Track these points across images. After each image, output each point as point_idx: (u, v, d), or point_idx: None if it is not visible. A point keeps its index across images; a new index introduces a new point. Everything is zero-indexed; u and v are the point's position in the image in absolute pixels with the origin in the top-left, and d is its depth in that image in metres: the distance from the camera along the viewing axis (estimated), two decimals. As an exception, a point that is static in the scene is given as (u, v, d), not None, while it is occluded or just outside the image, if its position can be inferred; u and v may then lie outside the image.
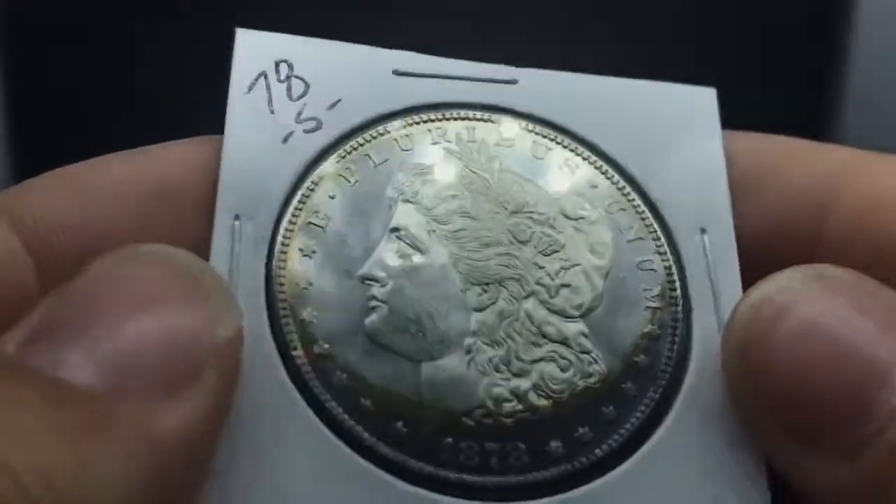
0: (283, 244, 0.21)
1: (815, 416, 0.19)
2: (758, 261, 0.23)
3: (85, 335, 0.18)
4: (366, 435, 0.20)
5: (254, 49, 0.23)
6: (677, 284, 0.23)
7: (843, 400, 0.19)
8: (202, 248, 0.21)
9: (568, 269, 0.22)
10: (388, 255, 0.22)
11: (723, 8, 0.42)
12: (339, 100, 0.23)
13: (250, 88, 0.23)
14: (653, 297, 0.22)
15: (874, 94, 0.41)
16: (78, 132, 0.39)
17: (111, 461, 0.17)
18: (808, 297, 0.20)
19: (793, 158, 0.25)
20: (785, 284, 0.20)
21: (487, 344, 0.21)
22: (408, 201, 0.22)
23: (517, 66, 0.25)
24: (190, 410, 0.18)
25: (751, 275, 0.23)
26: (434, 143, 0.23)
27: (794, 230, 0.24)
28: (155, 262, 0.19)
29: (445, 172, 0.23)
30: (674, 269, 0.23)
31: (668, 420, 0.21)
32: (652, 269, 0.23)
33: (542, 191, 0.23)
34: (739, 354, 0.21)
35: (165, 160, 0.22)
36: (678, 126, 0.25)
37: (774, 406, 0.20)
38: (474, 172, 0.23)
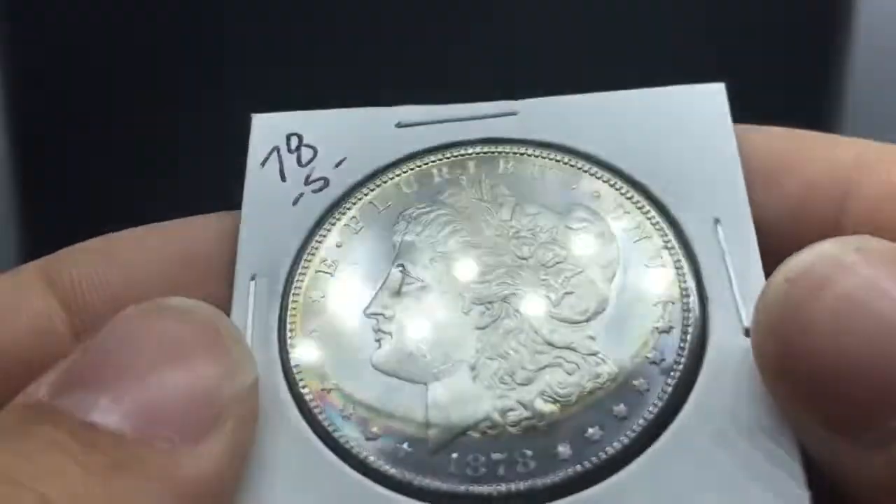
0: (294, 294, 0.23)
1: (853, 400, 0.18)
2: (775, 252, 0.22)
3: (113, 383, 0.19)
4: (372, 458, 0.20)
5: (267, 128, 0.25)
6: (688, 277, 0.22)
7: (885, 384, 0.18)
8: (223, 308, 0.22)
9: (571, 277, 0.22)
10: (393, 289, 0.22)
11: (722, 10, 0.41)
12: (345, 158, 0.25)
13: (264, 163, 0.25)
14: (663, 292, 0.22)
15: (874, 94, 0.39)
16: (79, 133, 0.41)
17: (139, 499, 0.18)
18: (848, 269, 0.19)
19: (810, 150, 0.24)
20: (823, 255, 0.19)
21: (492, 359, 0.21)
22: (411, 239, 0.23)
23: (516, 98, 0.25)
24: (211, 456, 0.19)
25: (768, 267, 0.22)
26: (436, 182, 0.24)
27: (813, 221, 0.23)
28: (178, 314, 0.20)
29: (447, 206, 0.24)
30: (684, 263, 0.22)
31: (683, 414, 0.20)
32: (661, 266, 0.22)
33: (543, 209, 0.23)
34: (773, 334, 0.19)
35: (191, 231, 0.24)
36: (687, 127, 0.24)
37: (810, 389, 0.19)
38: (476, 201, 0.24)
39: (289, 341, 0.22)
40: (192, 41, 0.41)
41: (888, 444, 0.18)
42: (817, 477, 0.19)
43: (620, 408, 0.20)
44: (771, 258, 0.22)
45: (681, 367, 0.21)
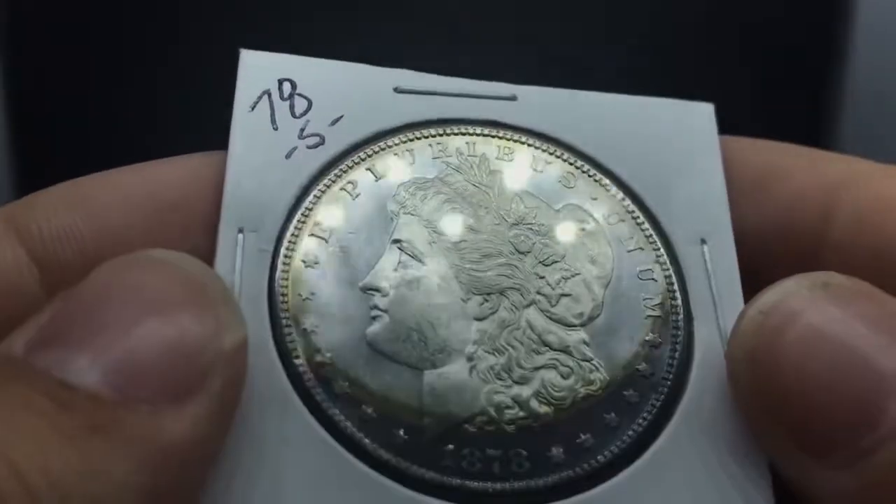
0: (285, 256, 0.22)
1: (820, 423, 0.19)
2: (760, 264, 0.23)
3: (92, 340, 0.18)
4: (367, 441, 0.20)
5: (258, 68, 0.24)
6: (678, 294, 0.23)
7: (849, 408, 0.19)
8: (206, 261, 0.21)
9: (568, 278, 0.22)
10: (390, 266, 0.22)
11: (722, 11, 0.43)
12: (342, 116, 0.24)
13: (254, 106, 0.23)
14: (653, 305, 0.23)
15: (874, 95, 0.41)
16: (79, 136, 0.39)
17: (117, 464, 0.17)
18: (815, 304, 0.20)
19: (797, 164, 0.25)
20: (792, 291, 0.20)
21: (489, 352, 0.21)
22: (409, 214, 0.23)
23: (517, 83, 0.25)
24: (194, 417, 0.18)
25: (753, 278, 0.23)
26: (435, 158, 0.23)
27: (797, 234, 0.24)
28: (162, 268, 0.19)
29: (446, 186, 0.23)
30: (674, 279, 0.23)
31: (670, 427, 0.21)
32: (652, 279, 0.23)
33: (542, 203, 0.23)
34: (746, 362, 0.21)
35: (171, 174, 0.22)
36: (677, 141, 0.25)
37: (780, 413, 0.20)
38: (475, 185, 0.23)
39: (280, 305, 0.21)
40: (198, 59, 0.37)
41: (854, 464, 0.19)
42: (786, 496, 0.21)
43: (612, 417, 0.21)
44: (756, 271, 0.23)
45: (669, 382, 0.22)
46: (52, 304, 0.19)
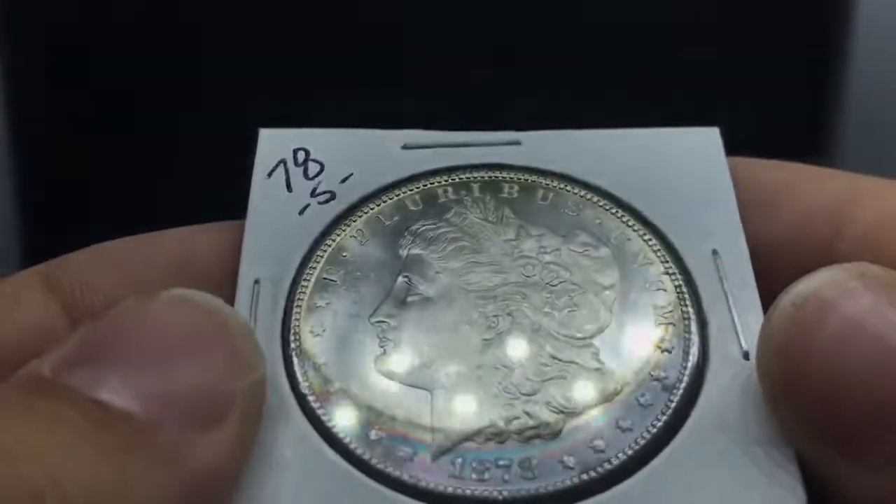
0: (298, 299, 0.23)
1: (853, 420, 0.19)
2: (773, 277, 0.23)
3: (123, 362, 0.19)
4: (375, 460, 0.20)
5: (274, 142, 0.26)
6: (688, 301, 0.23)
7: (886, 405, 0.18)
8: None
9: (575, 297, 0.23)
10: (399, 298, 0.23)
11: (722, 13, 0.42)
12: (352, 174, 0.25)
13: (270, 174, 0.25)
14: (665, 314, 0.22)
15: (874, 97, 0.40)
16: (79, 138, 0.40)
17: (150, 482, 0.18)
18: (851, 295, 0.19)
19: (806, 181, 0.25)
20: (827, 282, 0.20)
21: (497, 369, 0.21)
22: (417, 252, 0.23)
23: (521, 130, 0.26)
24: (217, 447, 0.19)
25: (765, 291, 0.22)
26: (441, 201, 0.24)
27: (808, 250, 0.24)
28: (185, 303, 0.20)
29: (452, 225, 0.24)
30: (684, 288, 0.23)
31: (686, 428, 0.21)
32: (662, 290, 0.23)
33: (547, 230, 0.24)
34: (779, 355, 0.20)
35: (192, 239, 0.24)
36: (684, 166, 0.25)
37: (812, 409, 0.19)
38: (481, 221, 0.24)
39: (292, 343, 0.22)
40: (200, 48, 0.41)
41: (888, 466, 0.18)
42: (816, 496, 0.20)
43: (625, 421, 0.21)
44: (768, 283, 0.22)
45: (683, 384, 0.21)
46: (77, 331, 0.19)
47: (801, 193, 0.24)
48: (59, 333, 0.22)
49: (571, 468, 0.20)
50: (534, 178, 0.25)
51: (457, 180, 0.25)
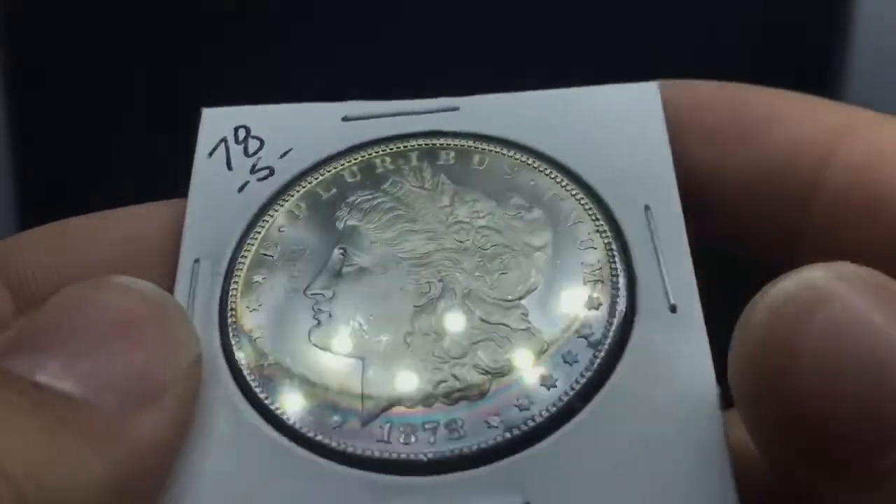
0: (235, 275, 0.23)
1: (844, 437, 0.17)
2: (755, 207, 0.23)
3: (63, 348, 0.19)
4: (306, 428, 0.21)
5: (216, 121, 0.26)
6: (618, 258, 0.23)
7: (873, 419, 0.17)
8: (167, 290, 0.23)
9: (507, 258, 0.23)
10: (334, 270, 0.23)
11: (722, 8, 0.42)
12: (291, 149, 0.25)
13: (211, 153, 0.25)
14: (594, 271, 0.23)
15: (874, 94, 0.40)
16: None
17: (88, 459, 0.18)
18: (834, 296, 0.18)
19: (798, 109, 0.24)
20: (808, 282, 0.18)
21: (427, 334, 0.22)
22: (353, 224, 0.24)
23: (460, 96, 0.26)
24: (154, 424, 0.20)
25: (740, 224, 0.23)
26: (378, 171, 0.25)
27: (793, 181, 0.23)
28: (125, 291, 0.21)
29: (388, 195, 0.24)
30: (614, 245, 0.23)
31: (608, 386, 0.21)
32: (592, 247, 0.23)
33: (481, 195, 0.24)
34: (756, 358, 0.18)
35: (139, 217, 0.25)
36: (621, 123, 0.25)
37: (791, 419, 0.18)
38: (417, 189, 0.24)
39: (229, 319, 0.22)
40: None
41: (874, 485, 0.17)
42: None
43: (550, 379, 0.21)
44: (747, 215, 0.22)
45: (608, 340, 0.21)
46: (21, 319, 0.21)
47: (792, 122, 0.24)
48: (5, 316, 0.23)
49: (496, 427, 0.20)
50: (470, 143, 0.25)
51: (394, 150, 0.25)
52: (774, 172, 0.24)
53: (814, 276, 0.18)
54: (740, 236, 0.25)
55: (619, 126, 0.25)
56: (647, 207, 0.23)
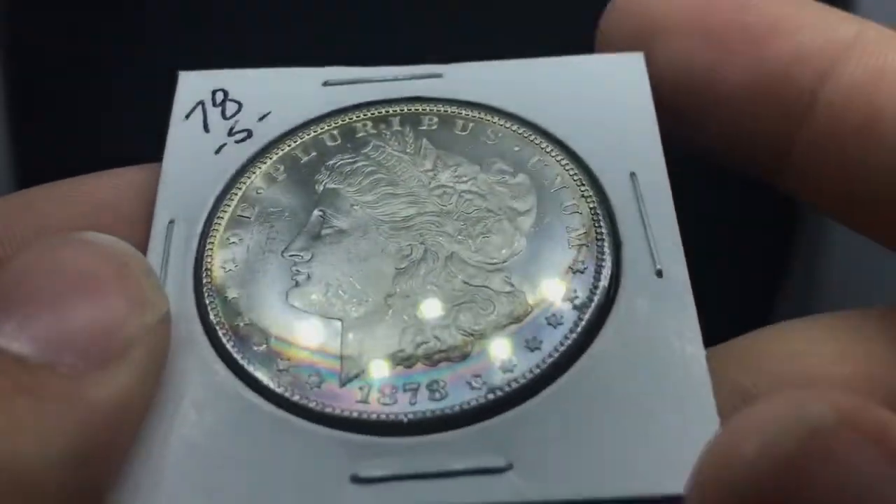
0: (211, 236, 0.23)
1: None
2: (749, 117, 0.23)
3: (19, 309, 0.19)
4: (282, 389, 0.20)
5: (193, 84, 0.25)
6: (603, 223, 0.22)
7: None
8: (141, 251, 0.22)
9: (490, 222, 0.22)
10: (313, 232, 0.22)
11: None
12: (269, 112, 0.25)
13: (188, 116, 0.25)
14: (578, 235, 0.22)
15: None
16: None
17: (41, 423, 0.18)
18: (843, 451, 0.16)
19: (808, 17, 0.24)
20: (810, 426, 0.16)
21: (408, 296, 0.21)
22: (333, 187, 0.23)
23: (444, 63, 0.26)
24: (117, 383, 0.19)
25: (741, 131, 0.22)
26: (359, 135, 0.24)
27: (793, 91, 0.23)
28: (87, 246, 0.20)
29: (370, 159, 0.24)
30: (599, 210, 0.23)
31: (593, 347, 0.20)
32: (577, 212, 0.23)
33: (464, 160, 0.24)
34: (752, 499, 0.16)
35: (110, 182, 0.24)
36: (606, 92, 0.25)
37: None
38: (399, 154, 0.24)
39: (204, 278, 0.22)
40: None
41: None
42: None
43: (534, 341, 0.21)
44: (741, 123, 0.22)
45: (593, 303, 0.21)
46: None
47: (798, 31, 0.23)
48: None
49: (478, 388, 0.20)
50: (453, 109, 0.25)
51: (376, 114, 0.25)
52: (773, 82, 0.23)
53: (816, 417, 0.16)
54: (731, 146, 0.24)
55: (605, 95, 0.25)
56: (632, 175, 0.23)
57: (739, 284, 0.39)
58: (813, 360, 0.23)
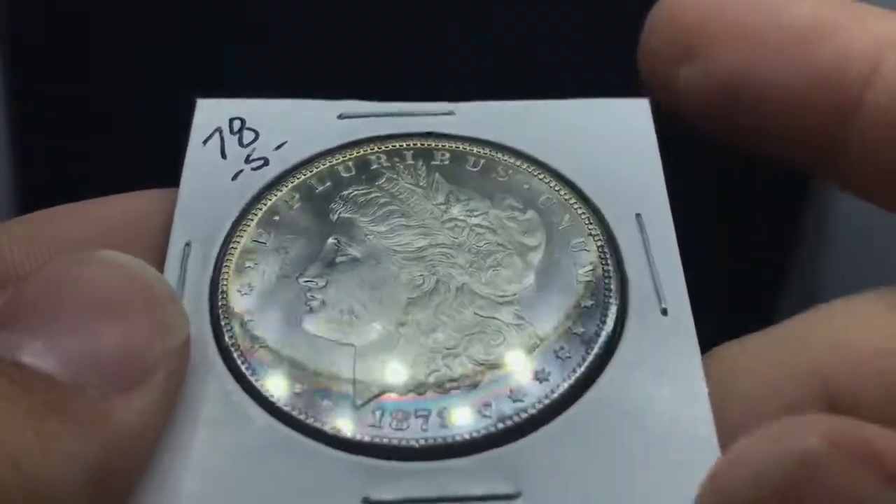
0: (227, 259, 0.23)
1: None
2: (794, 118, 0.23)
3: (47, 327, 0.19)
4: (296, 412, 0.21)
5: (211, 112, 0.26)
6: (610, 261, 0.23)
7: None
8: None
9: (500, 255, 0.23)
10: (327, 260, 0.23)
11: None
12: (286, 142, 0.25)
13: (206, 142, 0.25)
14: (586, 272, 0.23)
15: None
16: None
17: (72, 443, 0.18)
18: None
19: (848, 19, 0.23)
20: (801, 459, 0.16)
21: (419, 324, 0.22)
22: (347, 216, 0.24)
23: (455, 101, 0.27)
24: (140, 407, 0.19)
25: (787, 131, 0.23)
26: (374, 167, 0.25)
27: (837, 97, 0.23)
28: (112, 267, 0.20)
29: (383, 190, 0.24)
30: (606, 249, 0.23)
31: (601, 381, 0.21)
32: (584, 250, 0.23)
33: (475, 194, 0.24)
34: None
35: (129, 204, 0.24)
36: (613, 136, 0.26)
37: None
38: (411, 186, 0.24)
39: (219, 302, 0.22)
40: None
41: None
42: None
43: (543, 373, 0.21)
44: (787, 124, 0.22)
45: (601, 338, 0.22)
46: (4, 294, 0.20)
47: (838, 33, 0.23)
48: None
49: (488, 417, 0.21)
50: (466, 146, 0.25)
51: (390, 148, 0.25)
52: (821, 85, 0.23)
53: (803, 446, 0.16)
54: (778, 142, 0.24)
55: (611, 139, 0.26)
56: (638, 216, 0.24)
57: (740, 283, 0.40)
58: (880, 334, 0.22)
